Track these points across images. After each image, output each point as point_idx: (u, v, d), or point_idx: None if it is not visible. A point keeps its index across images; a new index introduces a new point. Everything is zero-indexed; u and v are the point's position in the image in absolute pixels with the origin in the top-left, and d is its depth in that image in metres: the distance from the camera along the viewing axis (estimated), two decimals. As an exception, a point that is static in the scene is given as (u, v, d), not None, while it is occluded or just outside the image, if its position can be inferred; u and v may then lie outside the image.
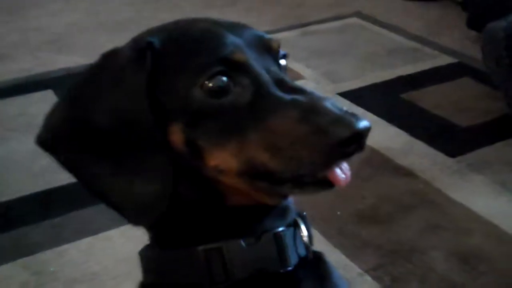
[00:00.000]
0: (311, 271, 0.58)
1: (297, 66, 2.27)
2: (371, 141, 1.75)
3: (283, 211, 0.58)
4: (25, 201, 1.52)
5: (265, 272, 0.55)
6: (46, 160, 1.67)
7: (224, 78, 0.52)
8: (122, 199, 0.53)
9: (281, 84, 0.52)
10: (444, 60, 2.33)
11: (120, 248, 1.34)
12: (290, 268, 0.55)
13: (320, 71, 2.26)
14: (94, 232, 1.39)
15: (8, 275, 1.27)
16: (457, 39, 2.51)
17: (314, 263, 0.59)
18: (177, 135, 0.53)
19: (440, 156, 1.69)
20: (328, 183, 0.51)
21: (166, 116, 0.53)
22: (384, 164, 1.67)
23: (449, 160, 1.68)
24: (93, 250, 1.34)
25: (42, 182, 1.59)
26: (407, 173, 1.62)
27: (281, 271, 0.55)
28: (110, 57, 0.56)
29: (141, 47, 0.54)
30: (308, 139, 0.49)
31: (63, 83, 2.07)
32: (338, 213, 1.48)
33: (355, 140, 0.48)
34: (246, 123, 0.51)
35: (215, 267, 0.54)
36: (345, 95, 2.06)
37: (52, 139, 0.55)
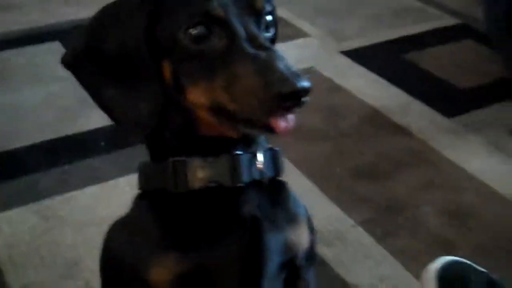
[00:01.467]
0: (264, 193, 0.66)
1: (301, 23, 2.29)
2: (372, 100, 1.80)
3: (248, 143, 0.67)
4: (35, 149, 1.58)
5: (219, 185, 0.64)
6: (55, 110, 1.74)
7: (205, 29, 0.60)
8: (122, 115, 0.65)
9: (253, 40, 0.60)
10: (448, 21, 2.34)
11: (126, 195, 1.39)
12: (240, 185, 0.64)
13: (325, 29, 2.28)
14: (101, 180, 1.45)
15: (19, 219, 1.34)
16: (462, 0, 2.51)
17: (272, 188, 0.67)
18: (166, 70, 0.63)
19: (437, 116, 1.74)
20: (271, 129, 0.57)
21: (161, 52, 0.63)
22: (383, 123, 1.72)
23: (446, 121, 1.72)
24: (100, 196, 1.41)
25: (51, 131, 1.64)
26: (405, 132, 1.67)
27: (232, 185, 0.64)
28: (119, 2, 0.66)
29: None
30: (257, 90, 0.57)
31: (70, 35, 2.10)
32: (337, 169, 1.53)
33: (294, 97, 0.55)
34: (216, 68, 0.60)
35: (179, 176, 0.65)
36: (348, 54, 2.09)
37: (73, 61, 0.66)
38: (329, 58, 2.07)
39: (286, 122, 0.58)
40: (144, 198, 0.70)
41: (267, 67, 0.57)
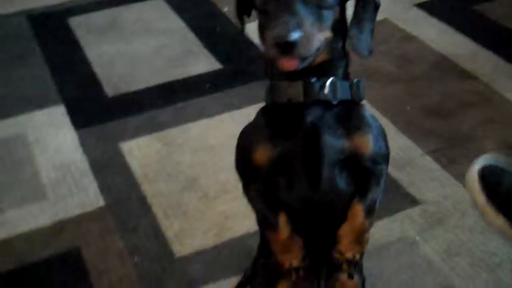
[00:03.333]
0: (331, 111, 0.89)
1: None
2: (442, 48, 2.02)
3: (323, 73, 0.88)
4: (151, 90, 1.89)
5: (295, 100, 0.87)
6: (164, 59, 2.04)
7: None
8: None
9: (286, 5, 0.81)
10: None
11: (230, 127, 1.69)
12: (308, 101, 0.87)
13: (399, -18, 2.46)
14: (209, 115, 1.75)
15: (146, 145, 1.66)
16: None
17: (343, 109, 0.90)
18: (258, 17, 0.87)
19: (501, 62, 1.92)
20: (280, 66, 0.81)
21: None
22: (450, 68, 1.93)
23: (509, 66, 1.91)
24: (209, 128, 1.71)
25: (163, 76, 1.95)
26: (470, 76, 1.87)
27: (303, 102, 0.87)
28: None
29: None
30: (268, 40, 0.80)
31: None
32: (408, 107, 1.76)
33: (285, 47, 0.78)
34: (267, 23, 0.82)
35: (275, 92, 0.89)
36: (420, 6, 2.28)
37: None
38: (403, 10, 2.26)
39: (287, 63, 0.81)
40: (263, 110, 0.96)
41: (280, 24, 0.79)
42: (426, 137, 1.64)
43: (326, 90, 0.88)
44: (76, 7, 2.38)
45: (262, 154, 0.89)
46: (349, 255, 0.91)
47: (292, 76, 0.87)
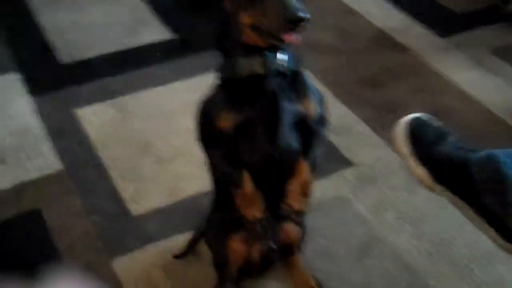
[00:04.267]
0: (284, 79, 1.02)
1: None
2: (378, 22, 2.16)
3: (275, 49, 1.01)
4: (104, 58, 1.96)
5: (255, 72, 1.00)
6: (116, 27, 2.10)
7: None
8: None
9: None
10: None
11: (182, 95, 1.80)
12: (266, 72, 1.00)
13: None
14: (161, 83, 1.85)
15: (101, 112, 1.74)
16: None
17: (292, 76, 1.03)
18: (227, 3, 0.98)
19: (433, 36, 2.09)
20: (283, 40, 0.93)
21: None
22: (386, 41, 2.08)
23: (440, 40, 2.08)
24: (162, 96, 1.80)
25: (115, 44, 2.02)
26: (403, 49, 2.03)
27: (262, 73, 1.00)
28: None
29: None
30: (275, 17, 0.92)
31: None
32: (346, 78, 1.91)
33: (297, 22, 0.91)
34: (256, 2, 0.94)
35: (235, 68, 1.01)
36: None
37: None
38: (344, -16, 2.39)
39: (292, 37, 0.94)
40: (218, 83, 1.07)
41: (284, 3, 0.92)
42: (362, 106, 1.80)
43: (281, 62, 1.01)
44: (26, -27, 2.40)
45: (227, 120, 1.01)
46: (297, 206, 1.05)
47: (250, 51, 1.00)
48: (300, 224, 1.19)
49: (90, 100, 1.78)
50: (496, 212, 1.05)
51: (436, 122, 1.21)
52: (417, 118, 1.21)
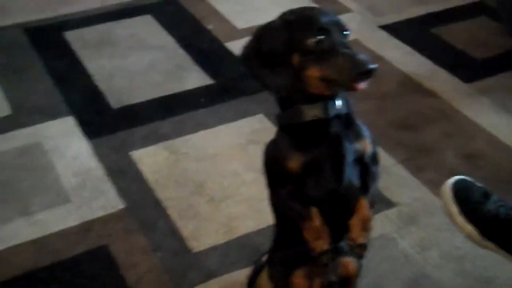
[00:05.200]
0: (342, 121, 1.15)
1: (344, 0, 2.75)
2: (405, 67, 2.32)
3: (333, 96, 1.14)
4: (151, 103, 2.09)
5: (318, 117, 1.13)
6: (158, 73, 2.24)
7: (322, 36, 1.09)
8: (271, 86, 1.14)
9: (343, 44, 1.09)
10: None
11: (225, 139, 1.92)
12: (329, 116, 1.13)
13: (364, 5, 2.74)
14: (206, 127, 1.97)
15: (154, 153, 1.86)
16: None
17: (346, 119, 1.16)
18: (295, 59, 1.11)
19: (457, 82, 2.22)
20: (354, 89, 1.06)
21: (291, 50, 1.11)
22: (414, 87, 2.21)
23: (465, 85, 2.21)
24: (208, 139, 1.92)
25: (159, 90, 2.15)
26: (431, 94, 2.16)
27: (325, 117, 1.13)
28: (269, 24, 1.14)
29: (285, 20, 1.13)
30: (348, 68, 1.05)
31: (159, 9, 2.59)
32: (379, 122, 2.03)
33: (368, 72, 1.04)
34: (326, 58, 1.08)
35: (299, 114, 1.13)
36: (385, 27, 2.56)
37: (245, 56, 1.15)
38: (369, 31, 2.54)
39: (362, 85, 1.07)
40: (280, 129, 1.21)
41: (354, 56, 1.06)
42: (396, 148, 1.92)
43: (339, 107, 1.14)
44: (69, 21, 2.55)
45: (295, 160, 1.13)
46: (360, 240, 1.16)
47: (312, 99, 1.13)
48: (362, 258, 1.30)
49: (143, 142, 1.90)
50: None
51: (479, 183, 1.35)
52: (461, 180, 1.35)
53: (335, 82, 1.08)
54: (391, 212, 1.67)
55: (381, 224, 1.63)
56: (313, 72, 1.09)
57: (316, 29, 1.09)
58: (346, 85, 1.07)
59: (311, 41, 1.08)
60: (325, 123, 1.13)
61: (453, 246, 1.56)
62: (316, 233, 1.17)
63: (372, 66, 1.04)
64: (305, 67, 1.10)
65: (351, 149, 1.14)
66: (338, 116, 1.14)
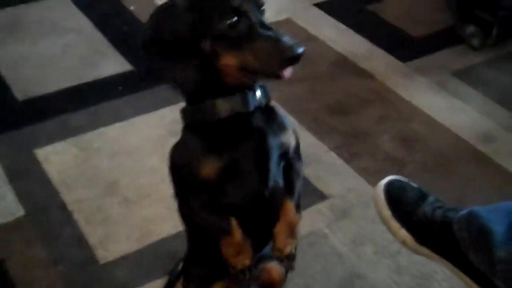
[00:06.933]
0: (263, 113, 1.00)
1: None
2: (339, 47, 2.16)
3: (250, 86, 0.99)
4: (62, 93, 1.89)
5: (237, 112, 0.97)
6: (73, 59, 2.03)
7: (236, 18, 0.91)
8: (178, 80, 0.97)
9: (262, 25, 0.93)
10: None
11: (144, 131, 1.74)
12: (250, 110, 0.97)
13: (298, -18, 2.59)
14: (123, 118, 1.79)
15: (62, 151, 1.67)
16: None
17: (267, 110, 1.01)
18: (206, 46, 0.93)
19: (394, 61, 2.10)
20: (279, 77, 0.91)
21: (199, 36, 0.93)
22: (349, 67, 2.08)
23: (402, 65, 2.09)
24: (125, 132, 1.74)
25: (73, 78, 1.95)
26: (367, 75, 2.03)
27: (244, 111, 0.97)
28: (170, 4, 0.95)
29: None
30: (272, 55, 0.90)
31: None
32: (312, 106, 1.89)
33: (295, 59, 0.89)
34: (243, 43, 0.91)
35: (213, 110, 0.97)
36: (319, 6, 2.42)
37: (143, 46, 0.96)
38: (303, 9, 2.39)
39: (288, 72, 0.92)
40: (188, 128, 1.03)
41: (278, 41, 0.90)
42: (329, 134, 1.78)
43: (258, 97, 0.98)
44: (-27, 5, 2.31)
45: (210, 166, 0.96)
46: (287, 250, 1.02)
47: (228, 92, 0.97)
48: (291, 267, 1.15)
49: (51, 138, 1.71)
50: (482, 269, 1.05)
51: (414, 183, 1.22)
52: (395, 180, 1.22)
53: (257, 71, 0.91)
54: (322, 205, 1.54)
55: (311, 219, 1.49)
56: (230, 61, 0.92)
57: (228, 9, 0.91)
58: (270, 74, 0.91)
59: (224, 24, 0.90)
60: (244, 117, 0.97)
61: (387, 240, 1.44)
62: (236, 248, 1.01)
63: (299, 50, 0.88)
64: (218, 55, 0.93)
65: (276, 144, 0.99)
66: (258, 108, 0.98)
